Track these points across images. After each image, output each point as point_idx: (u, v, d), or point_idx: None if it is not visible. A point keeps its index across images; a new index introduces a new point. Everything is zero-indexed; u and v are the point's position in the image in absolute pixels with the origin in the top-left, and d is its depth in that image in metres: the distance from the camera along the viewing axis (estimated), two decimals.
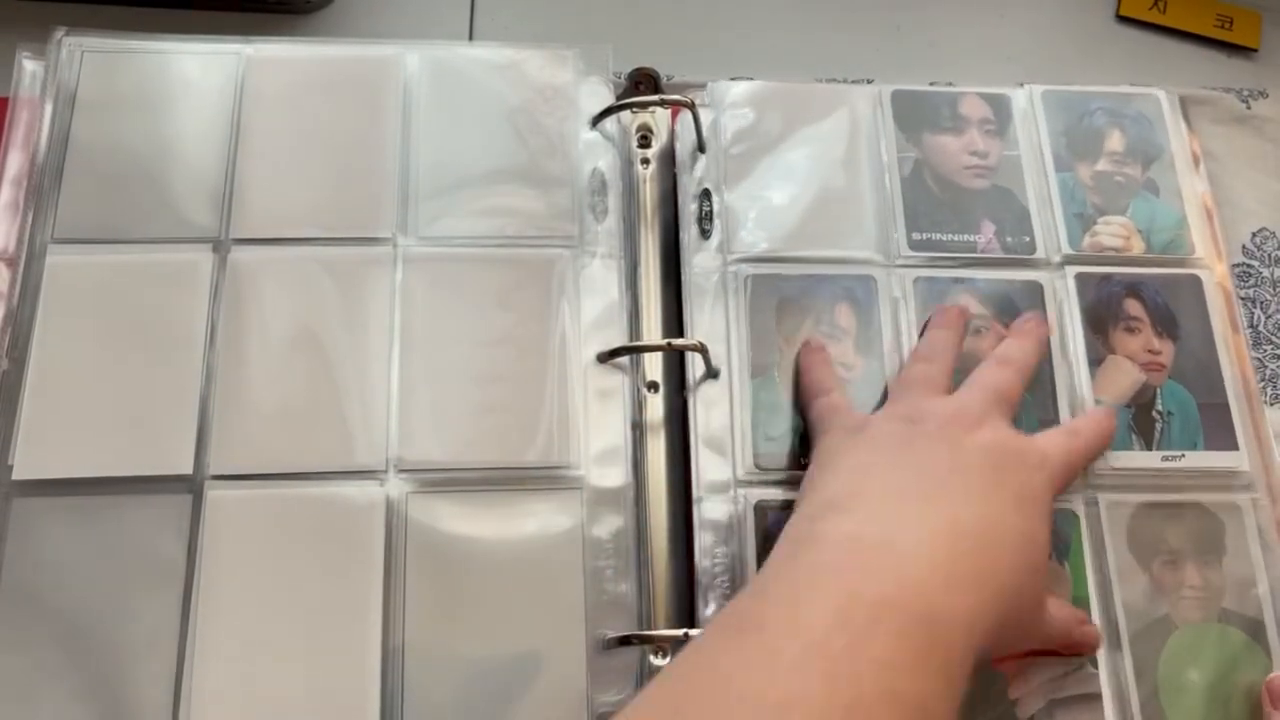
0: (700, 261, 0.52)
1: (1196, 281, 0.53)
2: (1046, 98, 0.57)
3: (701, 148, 0.55)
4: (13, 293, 0.49)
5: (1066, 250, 0.53)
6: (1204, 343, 0.52)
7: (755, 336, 0.51)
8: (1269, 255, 0.57)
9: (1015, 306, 0.52)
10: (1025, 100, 0.57)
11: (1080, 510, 0.48)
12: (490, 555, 0.46)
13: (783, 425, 0.49)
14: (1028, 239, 0.53)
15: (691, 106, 0.54)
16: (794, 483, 0.47)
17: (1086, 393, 0.50)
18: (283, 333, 0.49)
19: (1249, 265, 0.57)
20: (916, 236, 0.53)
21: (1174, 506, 0.49)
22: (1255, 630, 0.47)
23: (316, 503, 0.46)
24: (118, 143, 0.52)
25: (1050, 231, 0.54)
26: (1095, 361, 0.51)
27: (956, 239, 0.53)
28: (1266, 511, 0.49)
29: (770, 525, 0.47)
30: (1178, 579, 0.47)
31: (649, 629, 0.46)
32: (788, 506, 0.47)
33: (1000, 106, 0.56)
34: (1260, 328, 0.55)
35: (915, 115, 0.56)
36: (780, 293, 0.52)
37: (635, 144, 0.55)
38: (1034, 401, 0.50)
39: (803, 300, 0.51)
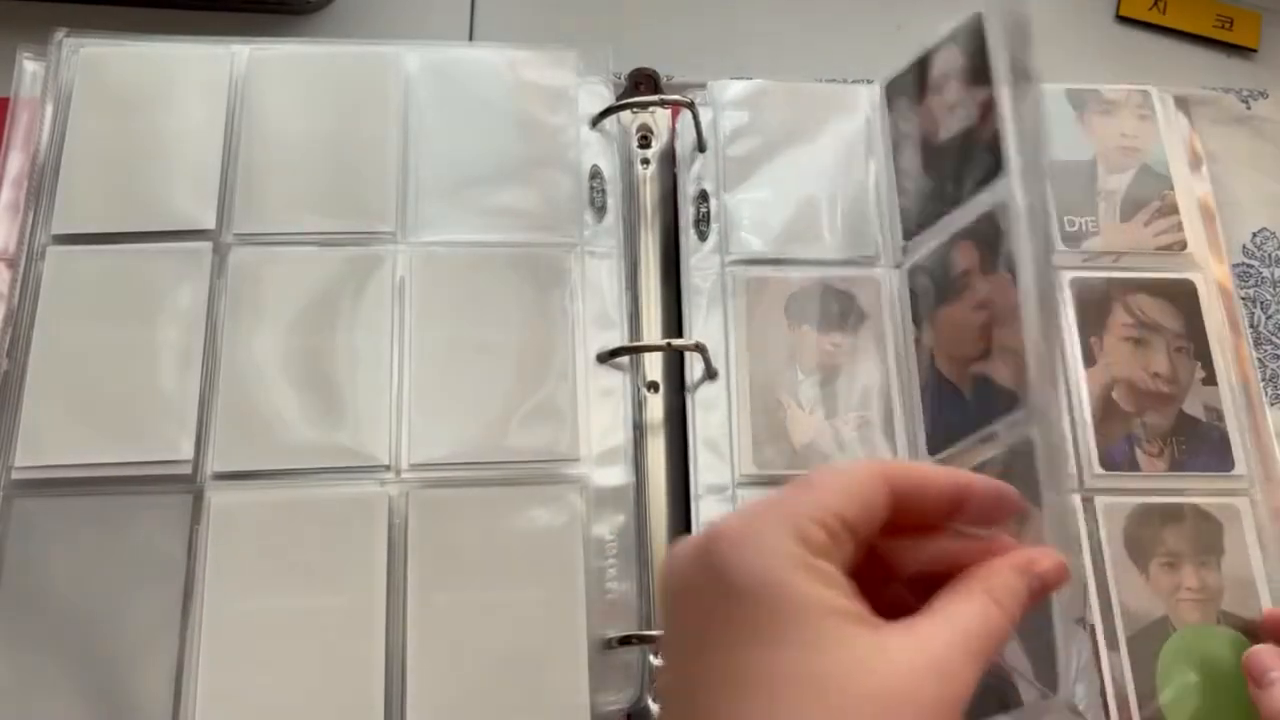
0: (699, 262, 0.52)
1: None
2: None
3: (701, 147, 0.55)
4: (13, 293, 0.49)
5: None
6: None
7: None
8: (1269, 255, 0.57)
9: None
10: None
11: (1078, 511, 0.48)
12: (491, 554, 0.46)
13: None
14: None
15: (691, 106, 0.54)
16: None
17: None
18: (283, 332, 0.49)
19: (1249, 265, 0.57)
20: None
21: (1172, 508, 0.49)
22: (1253, 631, 0.47)
23: (317, 502, 0.46)
24: (118, 143, 0.52)
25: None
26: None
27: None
28: (1265, 512, 0.49)
29: None
30: (1175, 581, 0.47)
31: (649, 629, 0.46)
32: None
33: None
34: (1260, 328, 0.55)
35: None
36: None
37: (635, 144, 0.55)
38: None
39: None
